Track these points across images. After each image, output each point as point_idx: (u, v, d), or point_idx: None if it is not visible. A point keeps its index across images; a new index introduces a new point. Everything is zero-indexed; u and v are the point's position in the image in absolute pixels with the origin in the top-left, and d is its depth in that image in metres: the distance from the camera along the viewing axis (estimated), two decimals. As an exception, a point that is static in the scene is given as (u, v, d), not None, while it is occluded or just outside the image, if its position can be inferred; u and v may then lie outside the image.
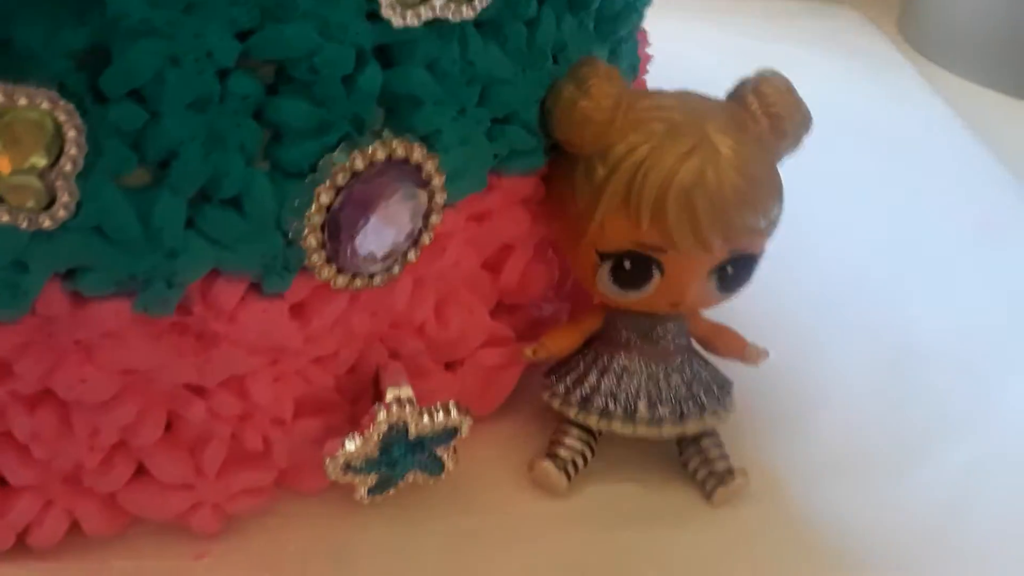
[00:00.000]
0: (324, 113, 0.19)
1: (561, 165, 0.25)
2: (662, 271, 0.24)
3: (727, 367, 0.28)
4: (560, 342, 0.26)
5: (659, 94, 0.25)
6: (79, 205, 0.17)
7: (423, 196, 0.21)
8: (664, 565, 0.25)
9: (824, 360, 0.32)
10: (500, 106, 0.23)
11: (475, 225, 0.25)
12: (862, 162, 0.45)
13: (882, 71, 0.55)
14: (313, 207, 0.19)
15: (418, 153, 0.20)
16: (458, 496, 0.26)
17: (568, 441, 0.26)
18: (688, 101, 0.24)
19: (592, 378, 0.26)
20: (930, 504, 0.27)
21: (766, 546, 0.26)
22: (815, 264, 0.36)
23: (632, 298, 0.25)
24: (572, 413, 0.26)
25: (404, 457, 0.24)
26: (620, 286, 0.24)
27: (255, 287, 0.21)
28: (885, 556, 0.26)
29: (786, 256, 0.36)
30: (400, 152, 0.20)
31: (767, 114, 0.24)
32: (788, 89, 0.25)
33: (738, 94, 0.25)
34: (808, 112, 0.25)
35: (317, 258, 0.20)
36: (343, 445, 0.23)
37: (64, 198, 0.17)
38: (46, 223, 0.17)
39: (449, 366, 0.27)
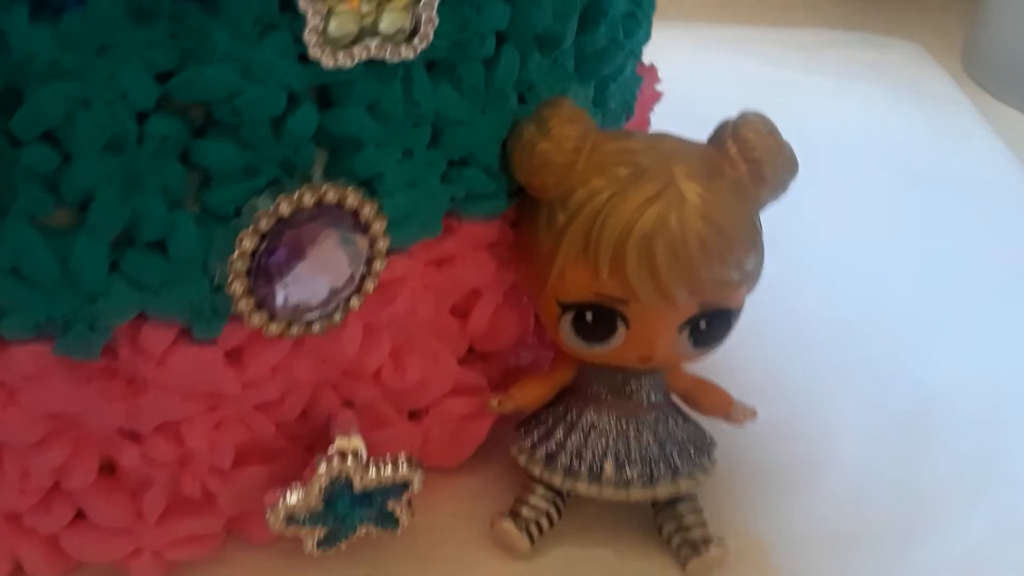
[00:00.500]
0: (251, 156, 0.19)
1: (527, 209, 0.24)
2: (628, 324, 0.23)
3: (717, 423, 0.27)
4: (529, 394, 0.25)
5: (630, 136, 0.24)
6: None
7: (362, 242, 0.21)
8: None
9: (828, 415, 0.30)
10: (456, 148, 0.23)
11: (435, 271, 0.24)
12: (899, 200, 0.43)
13: (936, 106, 0.53)
14: (236, 252, 0.19)
15: (352, 198, 0.20)
16: (415, 552, 0.25)
17: (532, 500, 0.25)
18: (660, 144, 0.23)
19: (559, 434, 0.25)
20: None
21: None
22: (827, 309, 0.35)
23: (598, 352, 0.24)
24: (537, 471, 0.25)
25: (351, 510, 0.23)
26: (583, 339, 0.23)
27: (186, 332, 0.21)
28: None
29: (795, 299, 0.35)
30: (331, 197, 0.20)
31: (746, 159, 0.23)
32: (769, 132, 0.23)
33: (718, 137, 0.24)
34: (792, 156, 0.24)
35: (244, 305, 0.20)
36: (284, 497, 0.23)
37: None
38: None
39: (414, 415, 0.26)
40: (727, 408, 0.26)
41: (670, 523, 0.25)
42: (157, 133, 0.18)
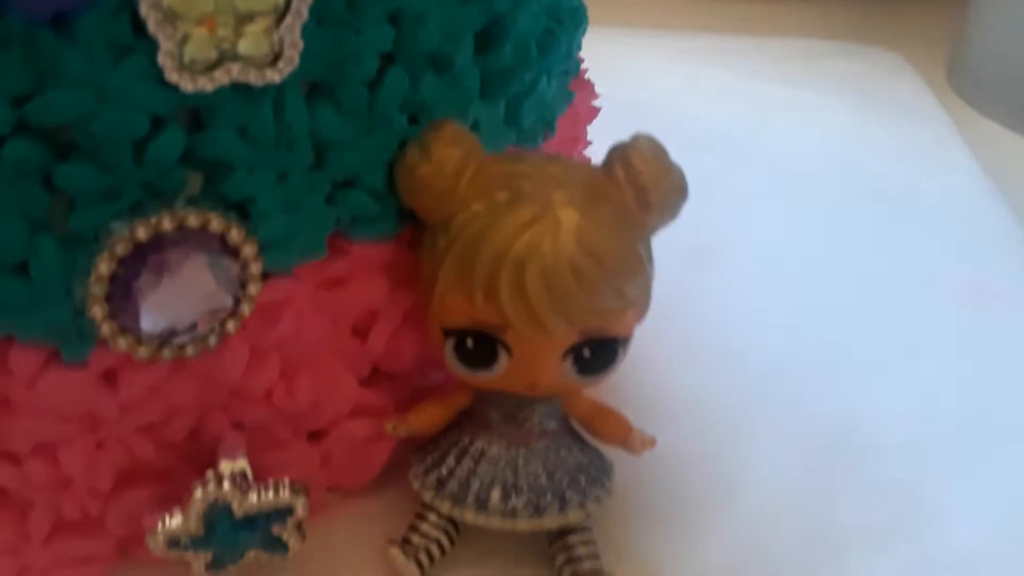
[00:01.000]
0: (111, 180, 0.20)
1: (420, 233, 0.25)
2: (510, 351, 0.23)
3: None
4: (425, 419, 0.26)
5: (519, 160, 0.24)
6: None
7: (232, 265, 0.21)
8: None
9: (743, 444, 0.30)
10: (340, 170, 0.23)
11: (326, 292, 0.24)
12: (857, 222, 0.43)
13: (910, 121, 0.52)
14: (93, 277, 0.20)
15: (216, 222, 0.21)
16: (307, 576, 0.26)
17: (423, 527, 0.25)
18: (546, 169, 0.24)
19: (451, 460, 0.25)
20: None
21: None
22: (760, 334, 0.35)
23: (482, 378, 0.24)
24: (428, 497, 0.25)
25: (234, 535, 0.24)
26: (466, 364, 0.24)
27: (57, 354, 0.21)
28: None
29: (728, 321, 0.35)
30: (193, 222, 0.20)
31: (632, 184, 0.23)
32: (656, 157, 0.24)
33: (607, 161, 0.24)
34: (680, 182, 0.24)
35: (107, 329, 0.20)
36: (164, 521, 0.23)
37: None
38: None
39: (313, 436, 0.27)
40: (625, 436, 0.26)
41: (561, 554, 0.25)
42: (13, 157, 0.19)
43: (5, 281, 0.20)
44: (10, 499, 0.23)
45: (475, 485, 0.25)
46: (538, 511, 0.24)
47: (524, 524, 0.25)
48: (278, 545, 0.25)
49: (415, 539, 0.25)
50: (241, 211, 0.22)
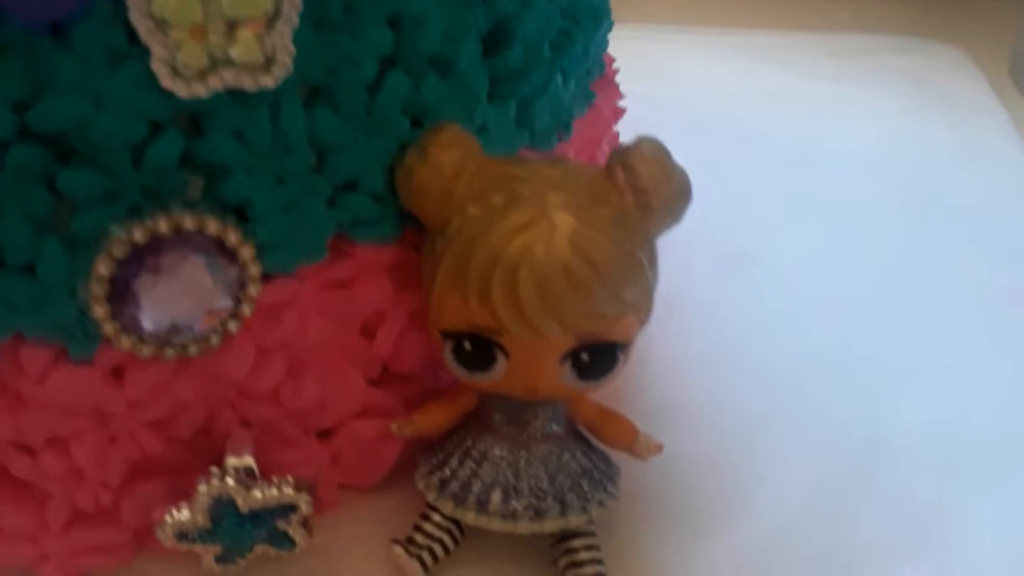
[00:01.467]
0: (110, 183, 0.20)
1: (423, 234, 0.25)
2: (508, 355, 0.23)
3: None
4: (431, 420, 0.26)
5: (519, 163, 0.24)
6: None
7: (231, 267, 0.22)
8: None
9: (763, 452, 0.30)
10: (340, 173, 0.24)
11: (331, 293, 0.25)
12: (905, 226, 0.41)
13: (968, 120, 0.51)
14: (92, 278, 0.21)
15: (213, 225, 0.21)
16: (315, 572, 0.26)
17: (427, 527, 0.26)
18: (545, 171, 0.24)
19: (454, 462, 0.25)
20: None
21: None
22: (794, 339, 0.34)
23: (482, 381, 0.24)
24: (432, 497, 0.26)
25: (240, 529, 0.25)
26: (465, 368, 0.24)
27: (65, 352, 0.22)
28: None
29: (761, 325, 0.35)
30: (190, 225, 0.21)
31: (632, 188, 0.23)
32: (658, 160, 0.24)
33: (609, 163, 0.24)
34: (684, 185, 0.24)
35: (110, 328, 0.21)
36: (171, 514, 0.24)
37: None
38: None
39: (323, 435, 0.27)
40: (631, 441, 0.26)
41: (564, 558, 0.25)
42: (16, 162, 0.20)
43: (13, 281, 0.21)
44: (29, 489, 0.24)
45: (476, 487, 0.25)
46: (539, 514, 0.25)
47: (524, 527, 0.25)
48: (285, 540, 0.25)
49: (419, 538, 0.26)
50: (241, 214, 0.22)
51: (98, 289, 0.21)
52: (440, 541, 0.26)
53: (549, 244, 0.22)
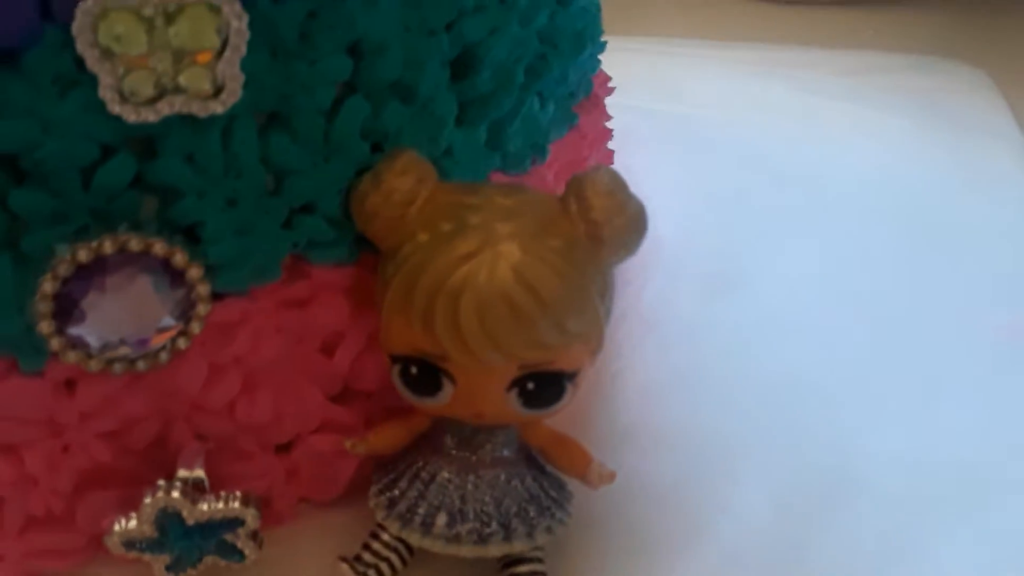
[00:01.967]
0: (59, 204, 0.21)
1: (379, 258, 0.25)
2: (453, 380, 0.24)
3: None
4: (384, 439, 0.26)
5: (471, 190, 0.24)
6: None
7: (178, 288, 0.22)
8: None
9: (728, 478, 0.29)
10: (296, 196, 0.24)
11: (287, 312, 0.25)
12: (903, 253, 0.41)
13: (983, 145, 0.50)
14: (37, 295, 0.21)
15: (160, 247, 0.22)
16: (262, 584, 0.27)
17: (376, 546, 0.26)
18: (497, 199, 0.24)
19: (403, 482, 0.26)
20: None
21: None
22: (769, 364, 0.34)
23: (429, 405, 0.25)
24: (380, 516, 0.26)
25: (187, 540, 0.25)
26: (411, 391, 0.24)
27: (16, 364, 0.23)
28: None
29: (739, 349, 0.35)
30: (135, 245, 0.21)
31: (584, 219, 0.23)
32: (611, 192, 0.24)
33: (565, 192, 0.24)
34: (637, 218, 0.24)
35: (56, 343, 0.22)
36: (119, 523, 0.25)
37: None
38: None
39: (281, 449, 0.28)
40: (583, 469, 0.26)
41: (507, 584, 0.25)
42: (-34, 183, 0.20)
43: (-37, 295, 0.21)
44: (-13, 491, 0.25)
45: (422, 508, 0.25)
46: (482, 539, 0.25)
47: (467, 551, 0.25)
48: (234, 553, 0.26)
49: (366, 556, 0.26)
50: (193, 234, 0.23)
51: (44, 306, 0.21)
52: (388, 560, 0.26)
53: (492, 273, 0.22)
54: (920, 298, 0.38)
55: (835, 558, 0.28)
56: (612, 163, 0.39)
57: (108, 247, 0.21)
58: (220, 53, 0.20)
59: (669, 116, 0.51)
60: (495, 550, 0.25)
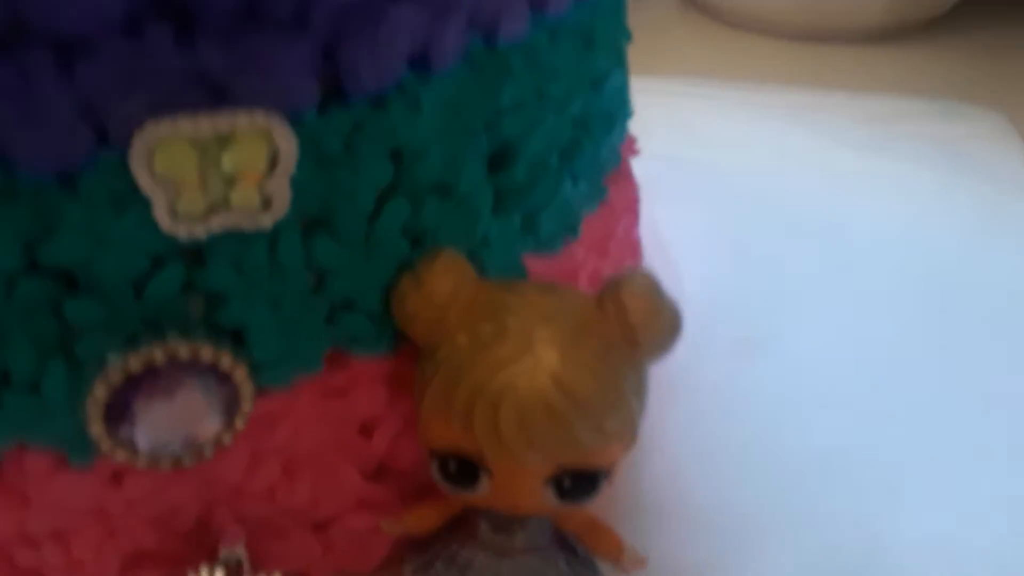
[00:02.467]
0: (112, 313, 0.22)
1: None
2: (491, 475, 0.24)
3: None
4: (420, 520, 0.27)
5: (509, 290, 0.25)
6: None
7: (224, 389, 0.23)
8: None
9: (750, 557, 0.29)
10: (337, 294, 0.24)
11: (326, 402, 0.26)
12: (927, 315, 0.41)
13: (1006, 195, 0.50)
14: (89, 399, 0.22)
15: (207, 352, 0.22)
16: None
17: (410, 625, 0.27)
18: (535, 301, 0.24)
19: (439, 566, 0.26)
20: None
21: None
22: (798, 436, 0.34)
23: (467, 496, 0.25)
24: (413, 599, 0.27)
25: (226, 620, 0.26)
26: (449, 484, 0.25)
27: (66, 459, 0.23)
28: None
29: (765, 420, 0.35)
30: (184, 353, 0.22)
31: (620, 322, 0.24)
32: (648, 295, 0.24)
33: (601, 293, 0.25)
34: (672, 322, 0.24)
35: (106, 444, 0.22)
36: (161, 605, 0.25)
37: None
38: None
39: (317, 527, 0.28)
40: (617, 555, 0.26)
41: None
42: (24, 294, 0.21)
43: (18, 398, 0.22)
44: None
45: (458, 593, 0.26)
46: (511, 628, 0.25)
47: (497, 639, 0.25)
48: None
49: (401, 637, 0.27)
50: (237, 334, 0.23)
51: (95, 410, 0.22)
52: (422, 642, 0.26)
53: (532, 380, 0.22)
54: (949, 364, 0.38)
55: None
56: (639, 221, 0.40)
57: (159, 356, 0.22)
58: (268, 175, 0.21)
59: (691, 164, 0.51)
60: (524, 639, 0.25)
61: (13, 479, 0.23)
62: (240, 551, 0.26)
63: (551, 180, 0.28)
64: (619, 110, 0.33)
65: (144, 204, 0.21)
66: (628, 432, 0.24)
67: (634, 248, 0.40)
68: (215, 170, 0.20)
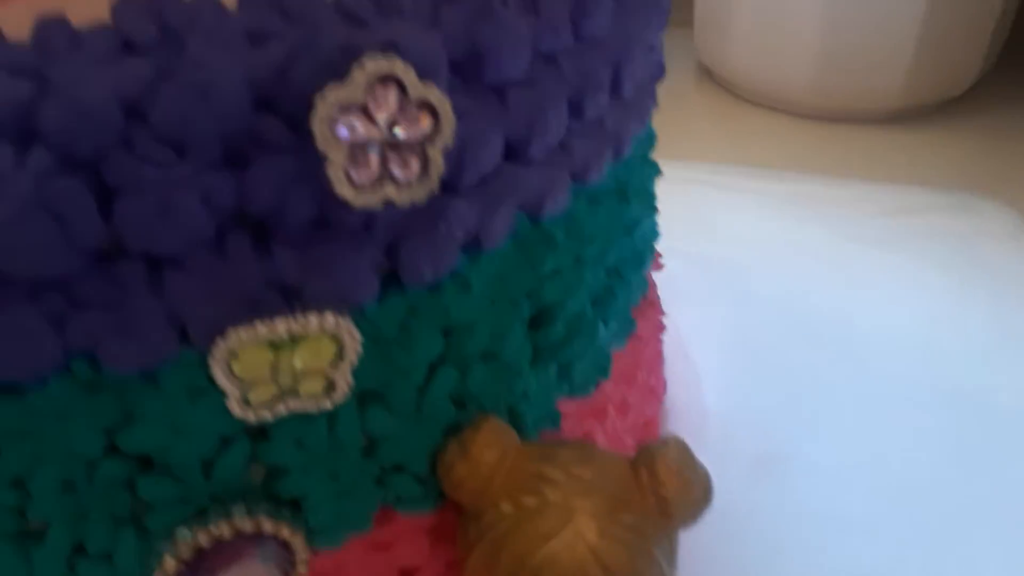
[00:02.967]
0: (183, 491, 0.23)
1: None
2: (531, 635, 0.26)
3: None
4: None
5: (549, 458, 0.27)
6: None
7: (283, 556, 0.25)
8: None
9: None
10: (388, 458, 0.26)
11: (373, 554, 0.28)
12: (942, 421, 0.42)
13: (1007, 300, 0.51)
14: (159, 572, 0.24)
15: (269, 525, 0.24)
16: None
17: None
18: (575, 472, 0.26)
19: None
20: None
21: None
22: (817, 551, 0.36)
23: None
24: None
25: None
26: (491, 642, 0.27)
27: (134, 618, 0.25)
28: None
29: (779, 542, 0.36)
30: (248, 527, 0.24)
31: (654, 493, 0.26)
32: (682, 468, 0.26)
33: (636, 461, 0.26)
34: (705, 492, 0.26)
35: (174, 610, 0.24)
36: None
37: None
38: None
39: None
40: None
41: None
42: (104, 476, 0.23)
43: (92, 567, 0.24)
44: None
45: None
46: None
47: None
48: None
49: None
50: (294, 502, 0.25)
51: (165, 582, 0.24)
52: None
53: (572, 554, 0.24)
54: (971, 481, 0.39)
55: None
56: (662, 336, 0.42)
57: (225, 532, 0.23)
58: (335, 366, 0.23)
59: (709, 261, 0.53)
60: None
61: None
62: None
63: (587, 330, 0.30)
64: (649, 246, 0.35)
65: (218, 395, 0.23)
66: (661, 594, 0.26)
67: (658, 362, 0.41)
68: (286, 367, 0.22)
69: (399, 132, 0.21)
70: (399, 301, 0.24)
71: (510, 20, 0.23)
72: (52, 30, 0.20)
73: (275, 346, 0.22)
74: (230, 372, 0.22)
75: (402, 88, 0.21)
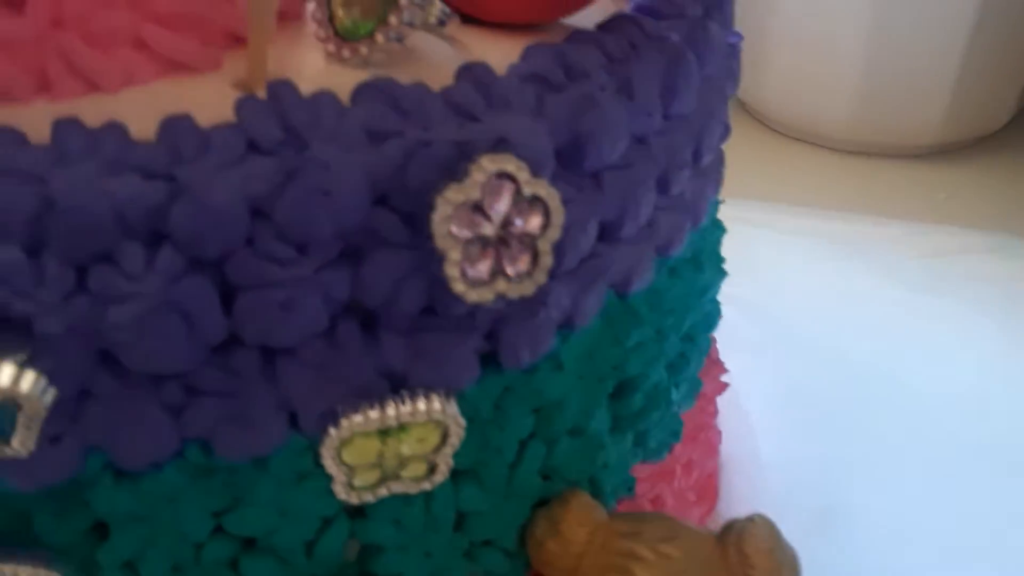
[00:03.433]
0: (285, 570, 0.24)
1: (544, 574, 0.28)
2: None
3: None
4: None
5: (636, 536, 0.27)
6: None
7: (376, 628, 0.25)
8: None
9: None
10: (477, 533, 0.27)
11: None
12: (996, 473, 0.43)
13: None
14: (260, 652, 0.24)
15: (365, 604, 0.25)
16: None
17: None
18: (663, 551, 0.26)
19: None
20: None
21: None
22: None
23: None
24: None
25: None
26: None
27: None
28: None
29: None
30: (346, 609, 0.24)
31: (744, 573, 0.26)
32: (770, 548, 0.26)
33: (723, 538, 0.27)
34: (795, 570, 0.27)
35: None
36: None
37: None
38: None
39: None
40: None
41: None
42: (211, 557, 0.23)
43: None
44: None
45: None
46: None
47: None
48: None
49: None
50: (389, 578, 0.26)
51: (267, 657, 0.24)
52: None
53: (661, 636, 0.25)
54: (997, 537, 0.40)
55: None
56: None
57: (326, 613, 0.24)
58: (437, 450, 0.23)
59: (752, 305, 0.53)
60: None
61: None
62: None
63: (663, 398, 0.31)
64: (716, 306, 0.35)
65: (324, 479, 0.23)
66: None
67: (715, 415, 0.42)
68: (393, 452, 0.23)
69: (514, 229, 0.21)
70: (496, 382, 0.25)
71: (611, 108, 0.24)
72: (179, 129, 0.21)
73: (383, 433, 0.23)
74: (339, 459, 0.22)
75: (514, 182, 0.21)
